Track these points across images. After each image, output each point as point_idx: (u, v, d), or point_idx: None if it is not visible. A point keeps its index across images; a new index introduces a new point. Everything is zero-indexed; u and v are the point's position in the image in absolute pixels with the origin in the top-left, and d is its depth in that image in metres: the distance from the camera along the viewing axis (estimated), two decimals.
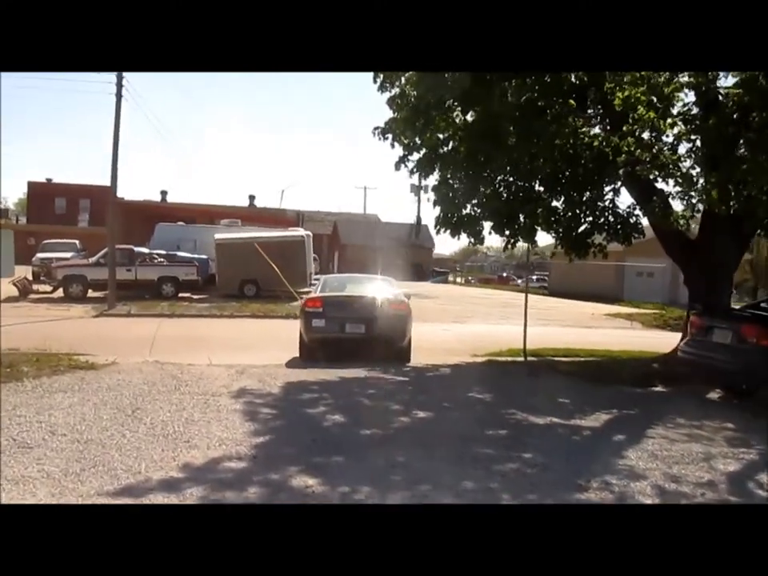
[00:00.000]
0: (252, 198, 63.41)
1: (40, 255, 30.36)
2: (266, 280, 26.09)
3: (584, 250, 12.29)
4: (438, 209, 12.31)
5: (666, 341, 18.99)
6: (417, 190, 62.63)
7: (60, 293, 24.76)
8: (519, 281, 62.91)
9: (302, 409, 8.20)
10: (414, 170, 12.37)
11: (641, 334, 23.01)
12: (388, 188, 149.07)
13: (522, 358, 14.37)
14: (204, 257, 28.31)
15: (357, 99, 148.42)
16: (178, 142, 58.76)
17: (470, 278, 66.67)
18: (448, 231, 12.51)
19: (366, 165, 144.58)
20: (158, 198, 60.00)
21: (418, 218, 61.03)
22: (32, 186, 59.22)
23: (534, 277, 62.55)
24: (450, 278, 59.95)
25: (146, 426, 7.10)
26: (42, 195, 56.97)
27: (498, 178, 12.27)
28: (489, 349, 15.24)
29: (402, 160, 12.73)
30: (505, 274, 74.76)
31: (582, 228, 11.99)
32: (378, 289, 13.66)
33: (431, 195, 12.21)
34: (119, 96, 23.05)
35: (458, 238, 12.61)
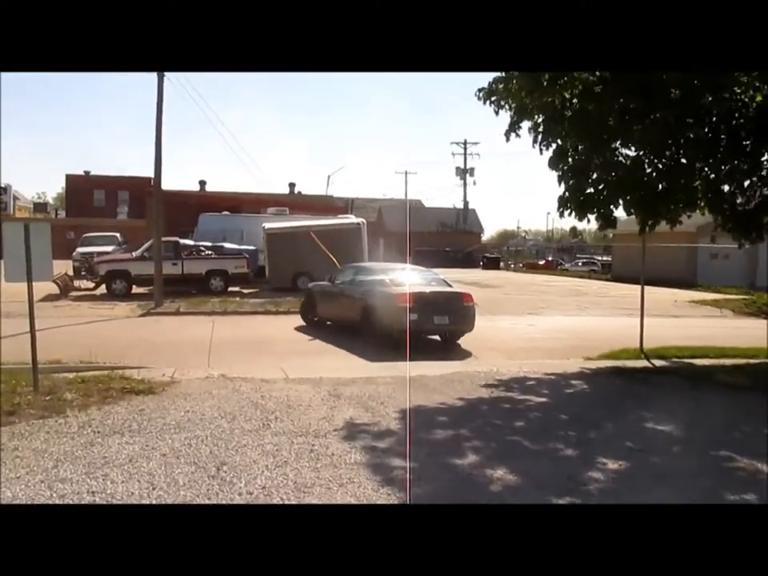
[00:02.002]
0: (292, 185, 61.35)
1: (80, 250, 28.66)
2: (320, 271, 24.01)
3: (757, 232, 9.87)
4: (562, 186, 10.03)
5: None
6: (463, 173, 60.56)
7: (102, 289, 22.98)
8: (567, 265, 60.10)
9: (448, 458, 5.94)
10: (538, 137, 10.05)
11: (744, 325, 20.45)
12: (428, 172, 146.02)
13: (644, 361, 12.08)
14: (252, 248, 26.31)
15: (395, 82, 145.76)
16: (221, 126, 57.02)
17: (510, 262, 63.54)
18: (572, 213, 10.21)
19: (406, 149, 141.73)
20: (195, 187, 58.17)
21: (465, 203, 58.63)
22: (70, 179, 57.97)
23: (580, 261, 59.82)
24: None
25: (241, 498, 4.93)
26: (80, 188, 55.71)
27: (637, 145, 9.89)
28: (595, 348, 12.99)
29: (513, 127, 10.42)
30: (550, 258, 71.78)
31: (753, 204, 9.55)
32: (435, 280, 14.70)
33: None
34: (161, 78, 21.03)
35: (588, 221, 10.33)
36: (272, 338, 14.46)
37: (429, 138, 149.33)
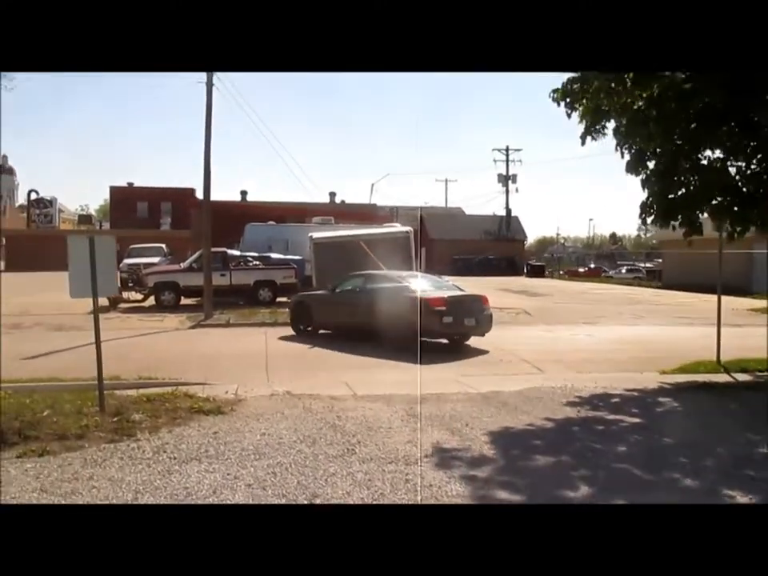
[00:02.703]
0: (332, 194, 61.27)
1: (128, 261, 28.68)
2: None
3: None
4: (646, 191, 9.47)
5: None
6: (505, 180, 59.76)
7: (151, 301, 22.87)
8: (611, 272, 58.77)
9: (557, 490, 5.38)
10: (620, 141, 9.51)
11: None
12: (468, 180, 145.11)
13: (724, 375, 11.38)
14: (298, 257, 26.03)
15: (432, 88, 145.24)
16: (267, 134, 57.08)
17: (554, 270, 62.43)
18: (655, 219, 9.66)
19: (445, 157, 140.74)
20: (235, 197, 58.36)
21: (508, 210, 57.76)
22: (114, 191, 58.62)
23: (623, 268, 58.45)
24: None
25: None
26: (124, 200, 56.28)
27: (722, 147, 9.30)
28: (663, 360, 12.31)
29: (590, 131, 9.90)
30: (593, 265, 70.44)
31: None
32: (447, 285, 15.84)
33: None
34: (210, 85, 20.88)
35: (673, 228, 9.73)
36: (324, 350, 14.04)
37: (469, 146, 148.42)
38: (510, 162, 58.56)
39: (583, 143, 10.01)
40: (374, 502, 4.93)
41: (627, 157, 9.61)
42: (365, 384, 9.96)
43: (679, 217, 9.58)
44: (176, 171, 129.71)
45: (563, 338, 16.79)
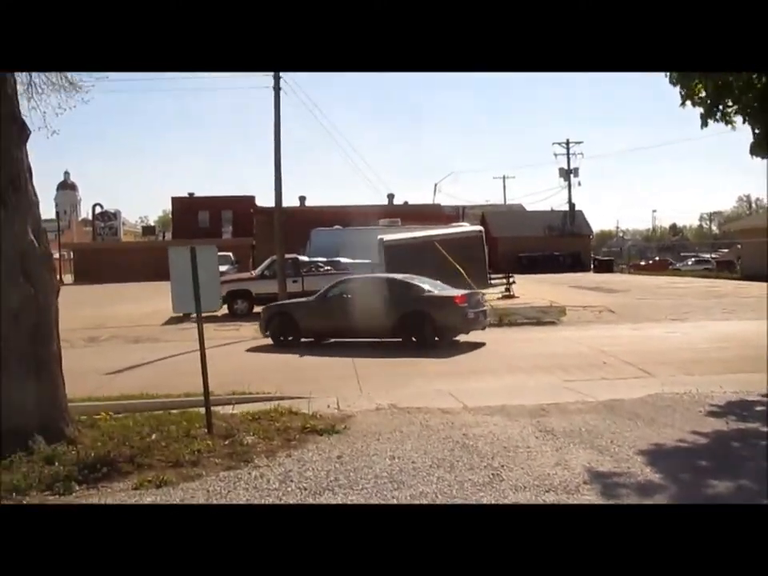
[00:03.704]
0: (391, 196, 60.61)
1: None
2: (444, 282, 22.97)
3: None
4: None
5: None
6: (566, 174, 58.26)
7: (223, 309, 22.65)
8: (679, 264, 56.73)
9: None
10: (744, 120, 8.69)
11: None
12: (524, 176, 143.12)
13: None
14: (367, 261, 25.49)
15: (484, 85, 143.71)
16: (337, 136, 56.60)
17: (623, 264, 60.45)
18: None
19: (501, 154, 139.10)
20: (295, 203, 58.20)
21: (571, 204, 56.24)
22: (175, 202, 59.23)
23: (690, 260, 56.37)
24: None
25: None
26: (185, 210, 56.77)
27: None
28: None
29: (711, 111, 9.06)
30: (657, 258, 68.27)
31: None
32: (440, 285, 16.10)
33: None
34: (277, 89, 20.58)
35: None
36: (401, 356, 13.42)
37: (524, 142, 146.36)
38: (570, 156, 57.16)
39: (704, 125, 9.18)
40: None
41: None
42: (467, 393, 9.43)
43: None
44: (233, 178, 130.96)
45: (656, 336, 15.92)
